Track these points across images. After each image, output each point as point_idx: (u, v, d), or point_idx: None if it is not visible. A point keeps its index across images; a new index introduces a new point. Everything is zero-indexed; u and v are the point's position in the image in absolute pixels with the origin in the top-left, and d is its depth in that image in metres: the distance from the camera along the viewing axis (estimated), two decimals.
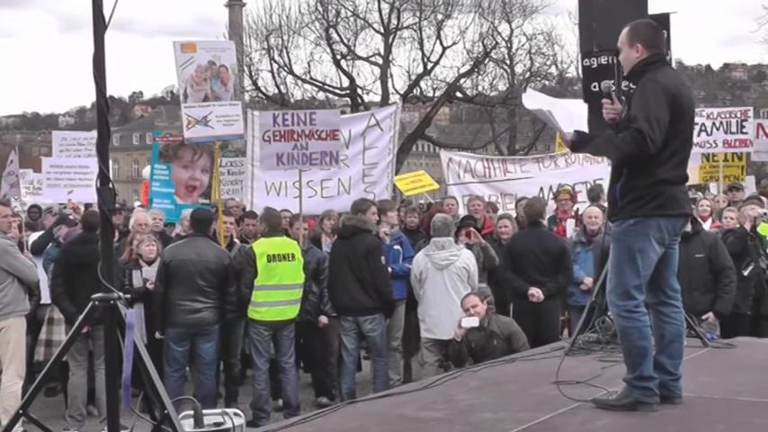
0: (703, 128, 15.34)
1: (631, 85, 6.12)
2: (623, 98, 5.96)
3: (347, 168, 13.99)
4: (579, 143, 5.79)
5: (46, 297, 10.37)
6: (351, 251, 10.23)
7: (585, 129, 5.74)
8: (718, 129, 15.32)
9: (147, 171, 34.53)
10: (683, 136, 5.58)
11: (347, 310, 10.30)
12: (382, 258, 10.41)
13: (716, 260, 9.04)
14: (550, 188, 14.74)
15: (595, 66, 8.30)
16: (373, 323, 10.27)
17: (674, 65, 8.77)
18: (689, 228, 9.00)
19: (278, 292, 9.89)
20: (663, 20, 8.50)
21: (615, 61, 7.31)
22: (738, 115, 15.46)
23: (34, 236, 12.20)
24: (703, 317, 8.88)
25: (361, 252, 10.23)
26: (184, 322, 9.63)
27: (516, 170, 15.19)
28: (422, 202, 19.92)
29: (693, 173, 18.77)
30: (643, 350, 5.63)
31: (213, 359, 9.94)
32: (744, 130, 15.36)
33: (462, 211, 13.63)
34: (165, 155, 12.53)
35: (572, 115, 5.71)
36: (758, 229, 10.15)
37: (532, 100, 6.19)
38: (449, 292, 9.87)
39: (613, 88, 5.96)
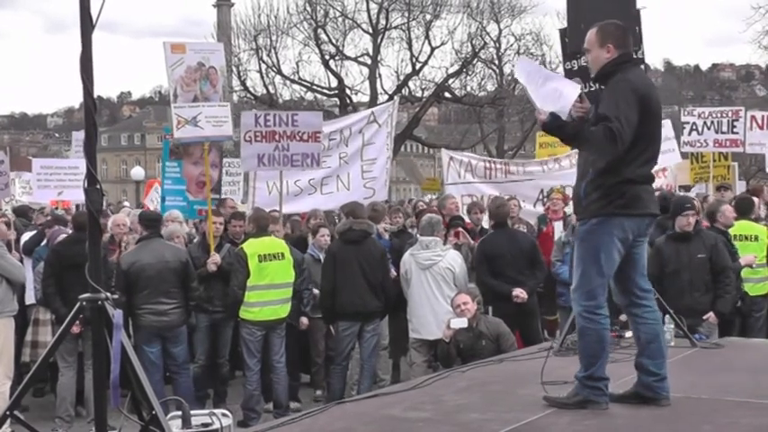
0: (694, 127, 15.35)
1: (600, 86, 6.11)
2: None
3: (346, 165, 13.97)
4: (551, 126, 5.66)
5: (31, 297, 10.33)
6: (364, 256, 10.07)
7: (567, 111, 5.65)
8: (708, 128, 15.30)
9: (135, 171, 34.61)
10: (649, 136, 5.59)
11: (357, 316, 10.06)
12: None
13: (716, 260, 9.04)
14: (551, 189, 14.63)
15: (576, 68, 8.28)
16: (375, 326, 10.25)
17: (661, 64, 8.78)
18: (690, 228, 9.03)
19: (270, 291, 9.86)
20: (636, 17, 8.47)
21: None
22: (730, 115, 15.45)
23: (26, 235, 12.12)
24: (704, 317, 8.88)
25: (377, 257, 10.18)
26: (151, 325, 9.61)
27: (518, 171, 14.91)
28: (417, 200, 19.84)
29: (684, 174, 18.85)
30: (598, 352, 5.68)
31: (186, 360, 9.97)
32: (735, 130, 15.34)
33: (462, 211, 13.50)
34: (175, 152, 12.46)
35: (560, 94, 5.65)
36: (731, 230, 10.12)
37: (524, 69, 6.11)
38: (432, 292, 9.80)
39: (587, 89, 5.93)
